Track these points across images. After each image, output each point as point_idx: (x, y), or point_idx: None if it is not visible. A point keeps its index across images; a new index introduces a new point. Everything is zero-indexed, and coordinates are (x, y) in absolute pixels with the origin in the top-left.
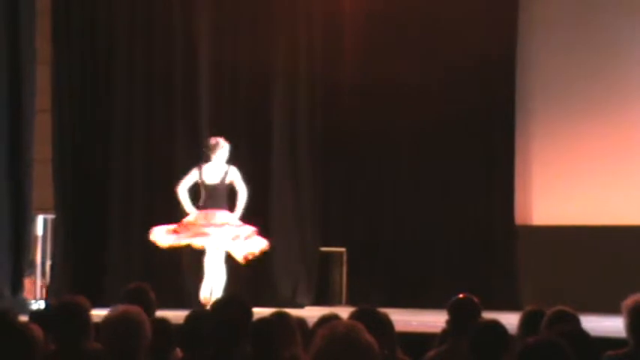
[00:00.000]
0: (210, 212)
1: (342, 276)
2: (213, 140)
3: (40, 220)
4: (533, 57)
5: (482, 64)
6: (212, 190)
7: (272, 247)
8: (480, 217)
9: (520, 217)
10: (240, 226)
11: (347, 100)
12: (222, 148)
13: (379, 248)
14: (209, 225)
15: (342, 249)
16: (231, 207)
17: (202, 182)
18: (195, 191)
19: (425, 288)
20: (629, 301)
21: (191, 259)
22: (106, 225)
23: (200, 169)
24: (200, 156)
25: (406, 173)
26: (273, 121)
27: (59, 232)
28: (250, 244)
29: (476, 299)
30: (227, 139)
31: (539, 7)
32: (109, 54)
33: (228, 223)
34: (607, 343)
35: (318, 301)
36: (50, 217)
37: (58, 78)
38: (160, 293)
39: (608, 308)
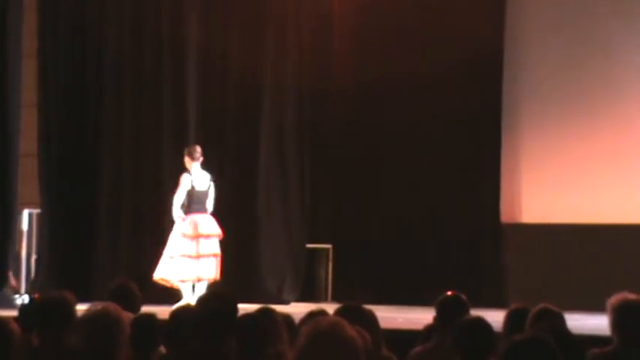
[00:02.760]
0: (197, 217)
1: (328, 273)
2: (198, 148)
3: (25, 214)
4: (521, 53)
5: (468, 61)
6: (200, 195)
7: (258, 242)
8: (465, 214)
9: (507, 215)
10: (217, 235)
11: (335, 98)
12: (201, 157)
13: (365, 245)
14: (198, 238)
15: (329, 246)
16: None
17: (193, 189)
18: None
19: (411, 285)
20: (613, 300)
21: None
22: (93, 220)
23: (191, 175)
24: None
25: (393, 170)
26: (261, 119)
27: (45, 226)
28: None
29: (464, 297)
30: (215, 134)
31: (527, 5)
32: (98, 49)
33: (211, 235)
34: (591, 341)
35: (303, 298)
36: (35, 211)
37: (44, 72)
38: (148, 289)
39: (593, 306)
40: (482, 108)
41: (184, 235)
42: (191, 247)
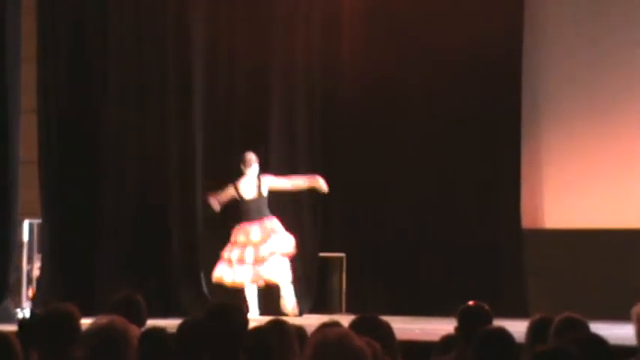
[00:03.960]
0: (248, 226)
1: (342, 282)
2: (248, 155)
3: (25, 224)
4: (540, 52)
5: (486, 60)
6: (250, 204)
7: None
8: (484, 220)
9: (528, 220)
10: (274, 236)
11: (347, 102)
12: (255, 163)
13: (380, 253)
14: (249, 245)
15: (342, 254)
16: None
17: (241, 197)
18: (230, 207)
19: (428, 295)
20: (639, 308)
21: (182, 267)
22: (96, 230)
23: (236, 185)
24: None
25: (408, 176)
26: (271, 123)
27: (46, 237)
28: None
29: (487, 306)
30: (222, 140)
31: (546, 0)
32: (99, 53)
33: (265, 242)
34: (618, 351)
35: (316, 309)
36: (36, 221)
37: (44, 77)
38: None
39: (620, 315)
40: (500, 109)
41: (233, 243)
42: (241, 253)
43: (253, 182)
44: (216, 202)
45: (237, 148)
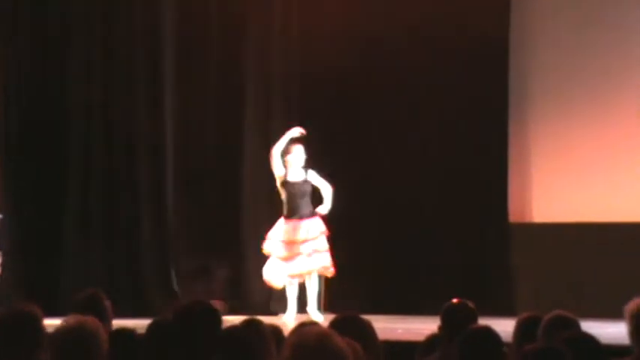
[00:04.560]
0: (296, 224)
1: (321, 280)
2: (294, 145)
3: None
4: (528, 40)
5: (471, 48)
6: (294, 196)
7: (244, 248)
8: (470, 214)
9: (516, 214)
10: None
11: (327, 89)
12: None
13: (361, 249)
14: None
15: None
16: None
17: (287, 185)
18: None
19: (411, 292)
20: (632, 305)
21: (153, 265)
22: (61, 227)
23: (284, 176)
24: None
25: (389, 169)
26: (245, 111)
27: (7, 233)
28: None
29: (471, 304)
30: (194, 135)
31: None
32: (62, 49)
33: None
34: (610, 351)
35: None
36: None
37: (5, 74)
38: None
39: (612, 313)
40: (486, 100)
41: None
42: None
43: (298, 173)
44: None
45: (209, 141)
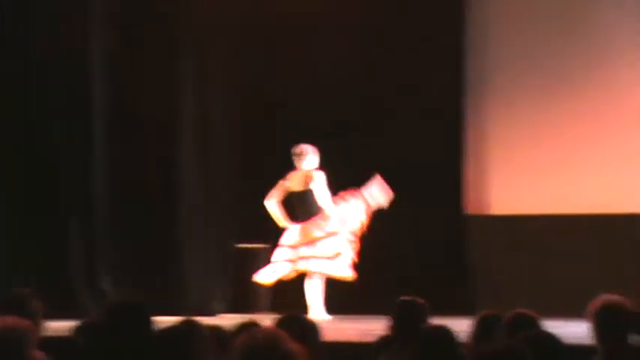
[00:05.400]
0: (303, 226)
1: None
2: (298, 149)
3: None
4: (485, 19)
5: (425, 39)
6: (297, 198)
7: (180, 243)
8: (424, 206)
9: (472, 206)
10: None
11: (271, 82)
12: (308, 155)
13: None
14: (305, 245)
15: (265, 245)
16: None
17: (290, 191)
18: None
19: (362, 290)
20: (595, 304)
21: (83, 261)
22: None
23: (286, 178)
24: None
25: (339, 157)
26: (181, 107)
27: None
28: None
29: (422, 301)
30: (133, 120)
31: None
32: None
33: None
34: (574, 351)
35: (235, 308)
36: None
37: None
38: (49, 301)
39: (575, 311)
40: (441, 89)
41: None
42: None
43: (302, 175)
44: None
45: (146, 127)
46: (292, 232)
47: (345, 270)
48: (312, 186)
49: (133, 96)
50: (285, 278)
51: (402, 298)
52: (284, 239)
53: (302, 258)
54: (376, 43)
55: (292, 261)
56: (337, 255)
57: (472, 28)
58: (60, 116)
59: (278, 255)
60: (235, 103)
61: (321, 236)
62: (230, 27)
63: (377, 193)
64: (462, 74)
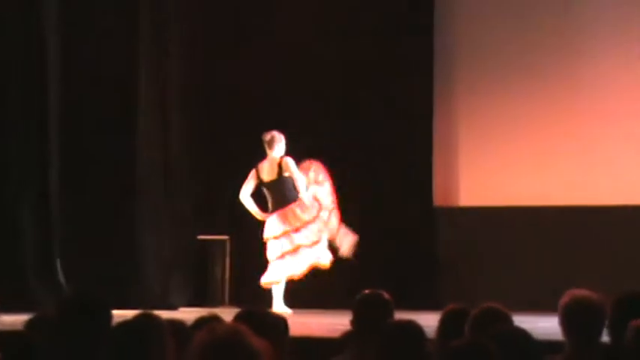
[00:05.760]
0: (281, 213)
1: (225, 270)
2: (268, 135)
3: None
4: (453, 17)
5: (396, 26)
6: (272, 188)
7: (137, 233)
8: (391, 197)
9: (440, 197)
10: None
11: (224, 64)
12: (280, 142)
13: None
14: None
15: (225, 237)
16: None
17: (262, 181)
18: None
19: (326, 283)
20: (565, 298)
21: (37, 254)
22: None
23: (257, 169)
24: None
25: (301, 145)
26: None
27: None
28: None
29: (386, 295)
30: (88, 109)
31: None
32: None
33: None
34: (544, 347)
35: (195, 301)
36: None
37: None
38: (1, 295)
39: (545, 305)
40: (410, 79)
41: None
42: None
43: (274, 163)
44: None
45: (101, 116)
46: (274, 223)
47: (326, 257)
48: (287, 173)
49: (88, 84)
50: (297, 276)
51: (364, 291)
52: (269, 232)
53: (300, 247)
54: (342, 32)
55: (291, 252)
56: (316, 243)
57: (441, 14)
58: (11, 105)
59: (273, 251)
60: (195, 92)
61: (307, 221)
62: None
63: (343, 241)
64: (431, 67)
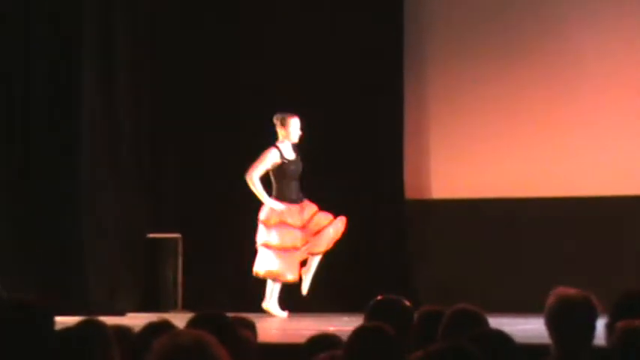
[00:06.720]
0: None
1: (177, 271)
2: (280, 115)
3: None
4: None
5: (365, 13)
6: (295, 173)
7: (80, 232)
8: (360, 190)
9: (412, 190)
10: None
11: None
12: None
13: (226, 234)
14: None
15: (177, 235)
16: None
17: (288, 165)
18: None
19: (287, 285)
20: (551, 299)
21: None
22: None
23: (279, 150)
24: None
25: (258, 137)
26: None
27: None
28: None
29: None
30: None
31: None
32: None
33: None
34: (524, 351)
35: (144, 306)
36: None
37: None
38: None
39: (527, 306)
40: (381, 69)
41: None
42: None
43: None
44: None
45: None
46: (293, 212)
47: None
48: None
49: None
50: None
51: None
52: (291, 220)
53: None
54: (313, 18)
55: (305, 243)
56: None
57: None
58: None
59: (289, 239)
60: (144, 83)
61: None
62: None
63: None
64: (401, 44)
